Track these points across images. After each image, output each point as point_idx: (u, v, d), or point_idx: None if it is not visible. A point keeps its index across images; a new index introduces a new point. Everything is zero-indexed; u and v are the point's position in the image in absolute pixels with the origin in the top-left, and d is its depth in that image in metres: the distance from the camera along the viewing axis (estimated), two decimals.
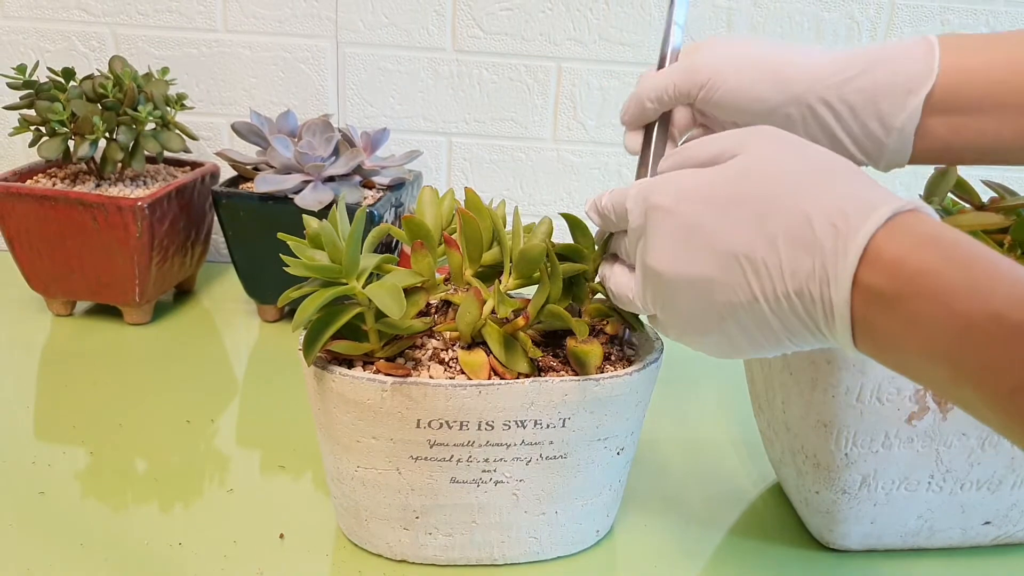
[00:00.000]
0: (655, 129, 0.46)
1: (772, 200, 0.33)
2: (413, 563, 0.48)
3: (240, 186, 0.77)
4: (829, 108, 0.42)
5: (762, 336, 0.34)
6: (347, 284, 0.41)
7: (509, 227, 0.48)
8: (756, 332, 0.34)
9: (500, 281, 0.45)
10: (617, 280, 0.41)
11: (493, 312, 0.44)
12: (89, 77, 0.73)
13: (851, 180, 0.33)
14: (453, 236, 0.46)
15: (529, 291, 0.46)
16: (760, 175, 0.34)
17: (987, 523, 0.50)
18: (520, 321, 0.43)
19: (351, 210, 0.42)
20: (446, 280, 0.48)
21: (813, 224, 0.31)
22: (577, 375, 0.44)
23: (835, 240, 0.30)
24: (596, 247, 0.45)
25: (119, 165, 0.74)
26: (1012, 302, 0.27)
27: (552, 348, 0.47)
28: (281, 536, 0.50)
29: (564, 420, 0.44)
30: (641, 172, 0.46)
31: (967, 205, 0.51)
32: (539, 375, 0.44)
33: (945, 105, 0.40)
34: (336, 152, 0.75)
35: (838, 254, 0.30)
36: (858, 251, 0.30)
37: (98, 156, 0.74)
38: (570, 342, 0.45)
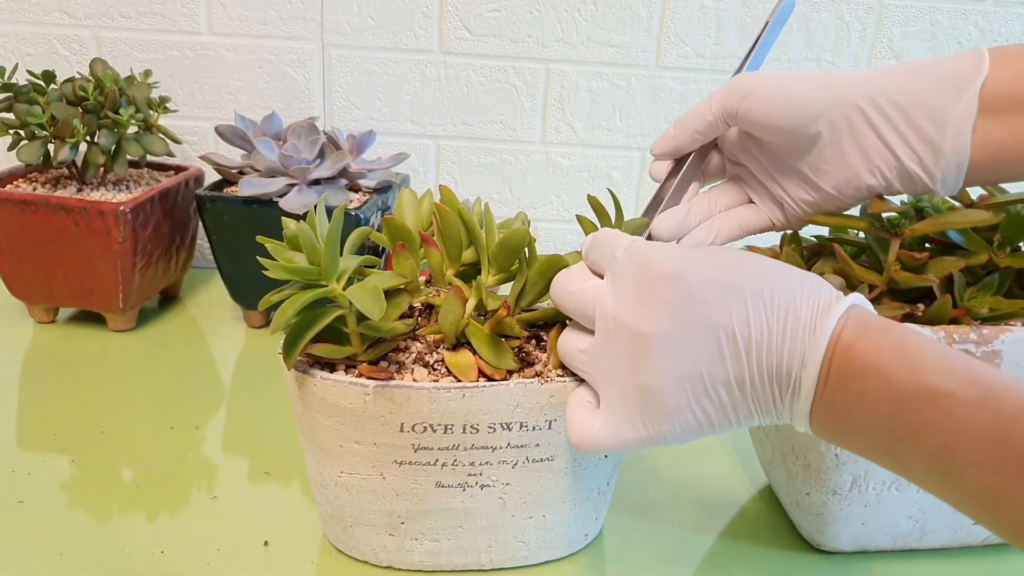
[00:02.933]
0: (687, 163, 0.46)
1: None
2: (399, 569, 0.47)
3: (225, 190, 0.76)
4: (878, 109, 0.41)
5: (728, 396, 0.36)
6: (327, 286, 0.40)
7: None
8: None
9: (480, 277, 0.44)
10: None
11: (475, 311, 0.44)
12: (70, 80, 0.72)
13: (793, 270, 0.36)
14: (432, 236, 0.45)
15: (508, 290, 0.45)
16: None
17: (978, 523, 0.50)
18: (502, 312, 0.43)
19: (331, 211, 0.41)
20: (428, 282, 0.48)
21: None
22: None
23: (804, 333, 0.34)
24: None
25: (101, 169, 0.73)
26: (936, 371, 0.31)
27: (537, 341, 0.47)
28: (266, 543, 0.49)
29: (550, 422, 0.43)
30: (654, 206, 0.46)
31: (956, 203, 0.51)
32: (524, 370, 0.44)
33: (999, 103, 0.40)
34: (321, 155, 0.75)
35: (807, 341, 0.34)
36: (825, 340, 0.33)
37: (79, 160, 0.73)
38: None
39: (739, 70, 0.47)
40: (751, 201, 0.49)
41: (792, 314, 0.34)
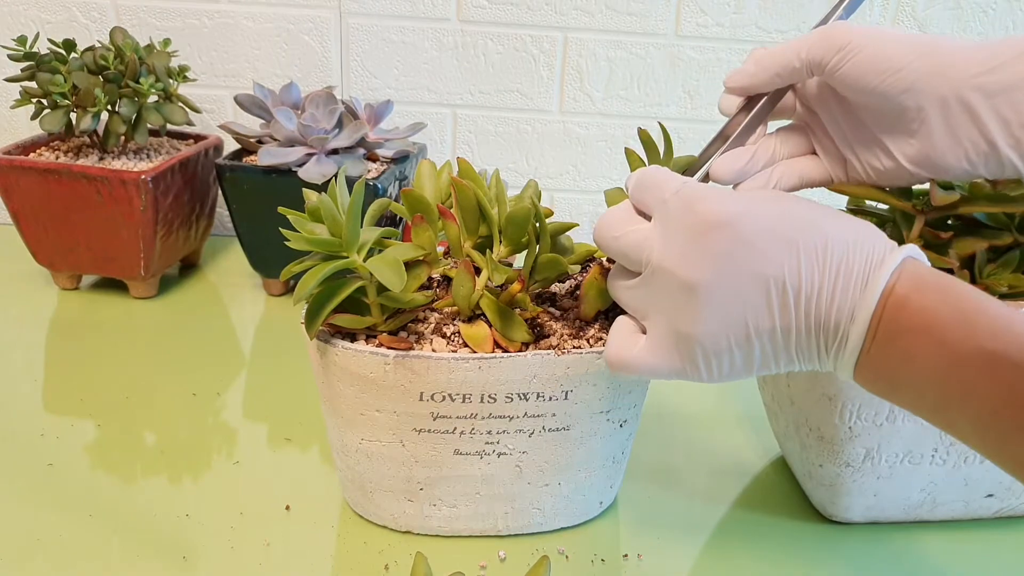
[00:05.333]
0: (760, 103, 0.43)
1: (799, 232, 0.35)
2: (418, 534, 0.48)
3: (244, 159, 0.77)
4: (980, 90, 0.38)
5: (770, 344, 0.36)
6: (348, 258, 0.41)
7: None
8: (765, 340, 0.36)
9: (491, 251, 0.44)
10: None
11: (489, 283, 0.44)
12: (90, 49, 0.72)
13: (850, 219, 0.35)
14: (450, 208, 0.45)
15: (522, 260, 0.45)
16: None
17: (990, 496, 0.50)
18: (516, 286, 0.43)
19: (351, 183, 0.41)
20: (446, 254, 0.48)
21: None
22: (579, 345, 0.44)
23: (856, 283, 0.34)
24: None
25: (122, 138, 0.74)
26: (992, 335, 0.31)
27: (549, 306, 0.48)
28: (287, 508, 0.50)
29: (567, 393, 0.44)
30: (718, 142, 0.44)
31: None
32: (539, 341, 0.44)
33: None
34: (339, 125, 0.75)
35: (858, 296, 0.33)
36: (877, 295, 0.33)
37: (101, 129, 0.73)
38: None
39: (829, 17, 0.44)
40: (814, 152, 0.46)
41: (845, 267, 0.34)
